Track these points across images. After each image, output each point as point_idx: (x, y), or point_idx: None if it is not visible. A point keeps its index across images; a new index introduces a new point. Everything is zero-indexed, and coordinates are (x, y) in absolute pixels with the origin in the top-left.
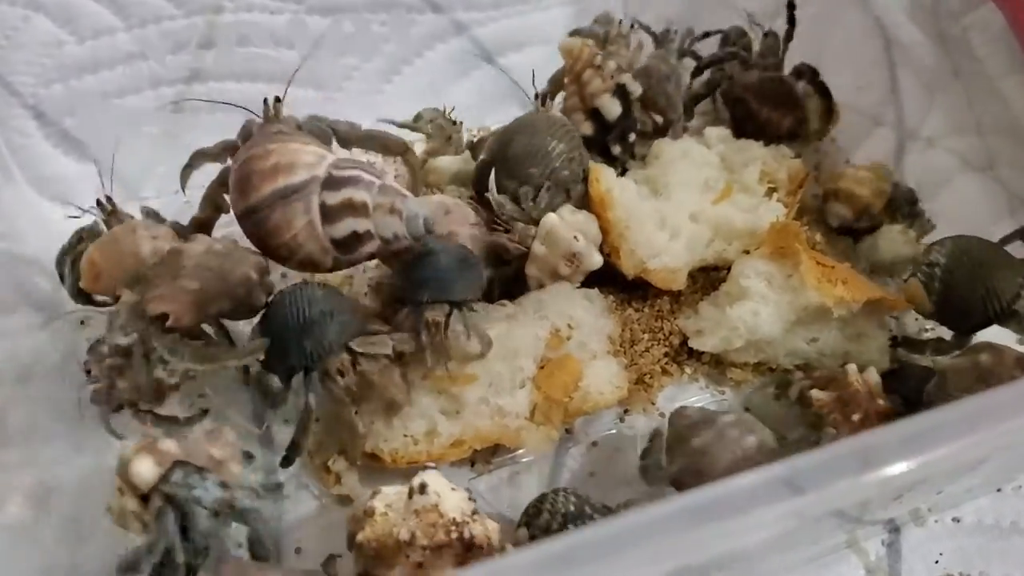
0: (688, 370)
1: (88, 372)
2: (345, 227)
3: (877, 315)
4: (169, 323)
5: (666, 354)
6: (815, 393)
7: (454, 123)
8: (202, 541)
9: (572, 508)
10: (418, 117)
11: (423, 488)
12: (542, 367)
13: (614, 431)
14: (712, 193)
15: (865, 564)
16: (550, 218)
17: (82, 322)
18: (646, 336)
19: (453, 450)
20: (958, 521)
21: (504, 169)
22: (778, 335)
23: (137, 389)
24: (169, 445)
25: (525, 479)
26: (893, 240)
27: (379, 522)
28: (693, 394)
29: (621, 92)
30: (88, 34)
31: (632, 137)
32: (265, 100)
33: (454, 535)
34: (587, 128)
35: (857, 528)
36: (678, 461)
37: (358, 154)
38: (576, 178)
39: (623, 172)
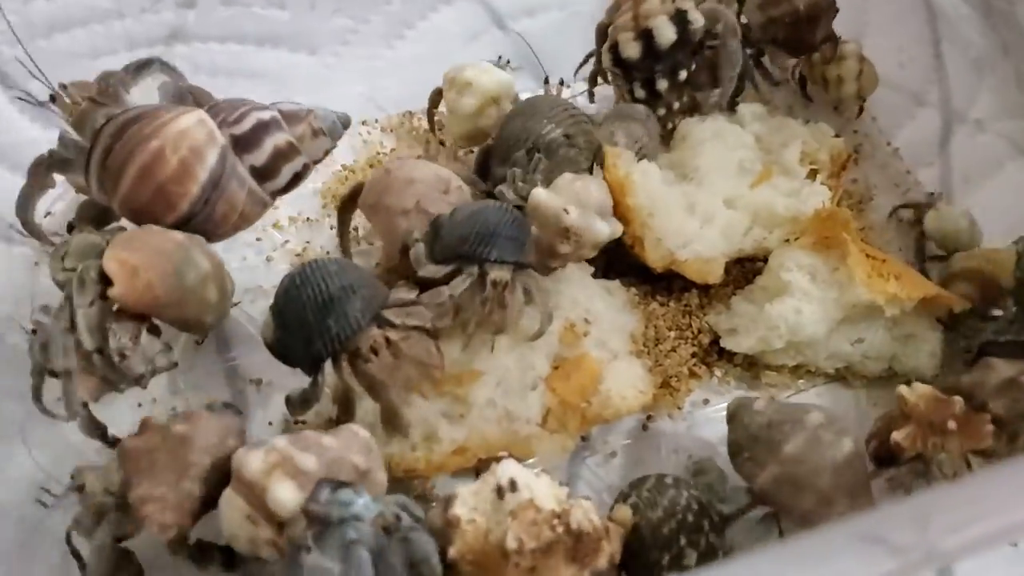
0: (718, 372)
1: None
2: (285, 175)
3: (930, 315)
4: (159, 534)
5: (694, 354)
6: (896, 436)
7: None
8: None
9: (691, 518)
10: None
11: (513, 485)
12: (556, 367)
13: (636, 440)
14: (748, 176)
15: None
16: (535, 194)
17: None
18: (672, 334)
19: (455, 458)
20: (1016, 546)
21: (498, 154)
22: (822, 336)
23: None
24: (307, 461)
25: None
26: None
27: (469, 531)
28: (724, 399)
29: (680, 19)
30: None
31: (683, 75)
32: (53, 97)
33: (560, 529)
34: (632, 50)
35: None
36: (769, 470)
37: None
38: (575, 161)
39: (668, 112)
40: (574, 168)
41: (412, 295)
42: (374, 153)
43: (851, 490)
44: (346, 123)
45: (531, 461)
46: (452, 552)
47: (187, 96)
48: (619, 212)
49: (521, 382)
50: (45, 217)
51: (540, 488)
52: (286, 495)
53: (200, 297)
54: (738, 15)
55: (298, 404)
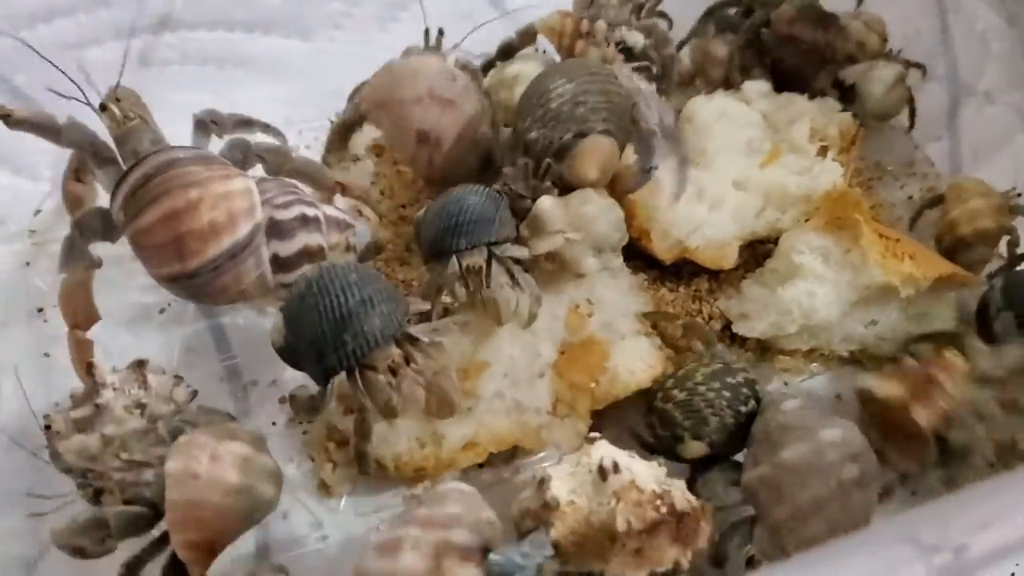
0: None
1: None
2: (299, 271)
3: (944, 292)
4: None
5: None
6: (919, 418)
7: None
8: None
9: (712, 394)
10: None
11: (616, 467)
12: (562, 353)
13: None
14: (757, 156)
15: None
16: (541, 202)
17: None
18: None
19: (465, 454)
20: None
21: (513, 119)
22: (835, 319)
23: None
24: (459, 536)
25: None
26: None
27: (569, 513)
28: None
29: (624, 50)
30: None
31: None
32: (103, 106)
33: (664, 509)
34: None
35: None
36: (760, 466)
37: None
38: (584, 122)
39: None
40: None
41: (426, 306)
42: (369, 139)
43: (834, 516)
44: (379, 250)
45: (544, 453)
46: (554, 535)
47: (253, 159)
48: (623, 206)
49: (528, 371)
50: (35, 215)
51: (640, 469)
52: None
53: (272, 506)
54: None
55: (304, 410)
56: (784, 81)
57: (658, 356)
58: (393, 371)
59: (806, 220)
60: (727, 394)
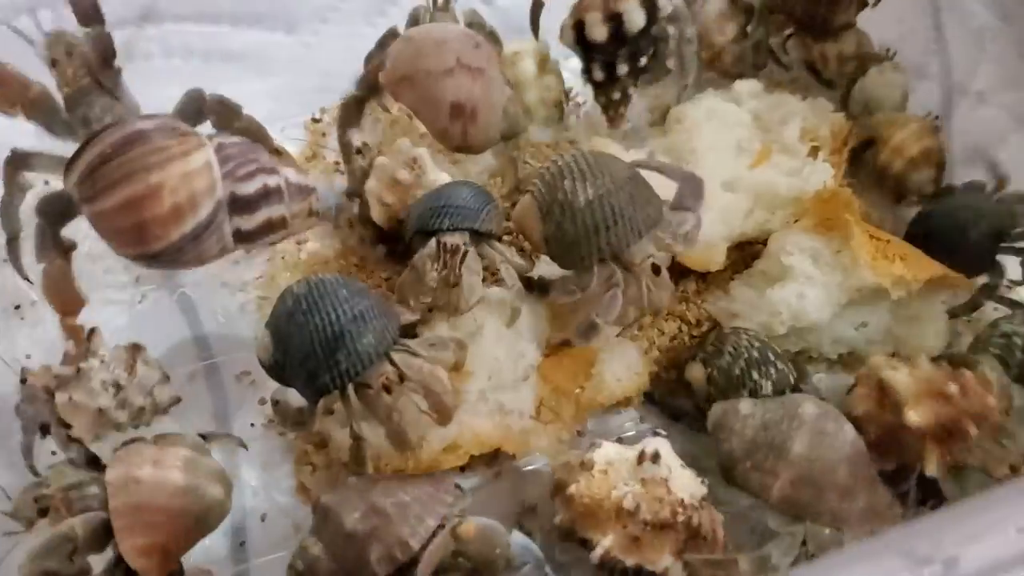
0: None
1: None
2: (263, 242)
3: (936, 295)
4: None
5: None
6: (913, 417)
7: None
8: None
9: (756, 353)
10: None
11: (656, 457)
12: (547, 355)
13: (633, 433)
14: (747, 156)
15: None
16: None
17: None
18: (669, 321)
19: (447, 456)
20: None
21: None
22: (825, 321)
23: None
24: None
25: (531, 490)
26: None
27: (597, 478)
28: None
29: (650, 4)
30: None
31: (643, 61)
32: (54, 62)
33: (681, 518)
34: (599, 33)
35: None
36: (780, 475)
37: None
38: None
39: (623, 96)
40: None
41: (414, 316)
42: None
43: (866, 478)
44: (341, 209)
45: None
46: (571, 489)
47: (206, 113)
48: None
49: (513, 373)
50: None
51: (681, 476)
52: None
53: (223, 509)
54: None
55: (290, 423)
56: (809, 28)
57: (644, 362)
58: (387, 388)
59: (795, 221)
60: (756, 355)
